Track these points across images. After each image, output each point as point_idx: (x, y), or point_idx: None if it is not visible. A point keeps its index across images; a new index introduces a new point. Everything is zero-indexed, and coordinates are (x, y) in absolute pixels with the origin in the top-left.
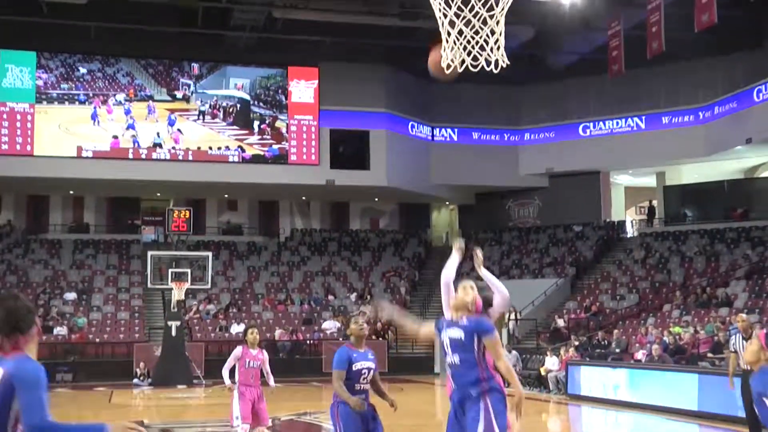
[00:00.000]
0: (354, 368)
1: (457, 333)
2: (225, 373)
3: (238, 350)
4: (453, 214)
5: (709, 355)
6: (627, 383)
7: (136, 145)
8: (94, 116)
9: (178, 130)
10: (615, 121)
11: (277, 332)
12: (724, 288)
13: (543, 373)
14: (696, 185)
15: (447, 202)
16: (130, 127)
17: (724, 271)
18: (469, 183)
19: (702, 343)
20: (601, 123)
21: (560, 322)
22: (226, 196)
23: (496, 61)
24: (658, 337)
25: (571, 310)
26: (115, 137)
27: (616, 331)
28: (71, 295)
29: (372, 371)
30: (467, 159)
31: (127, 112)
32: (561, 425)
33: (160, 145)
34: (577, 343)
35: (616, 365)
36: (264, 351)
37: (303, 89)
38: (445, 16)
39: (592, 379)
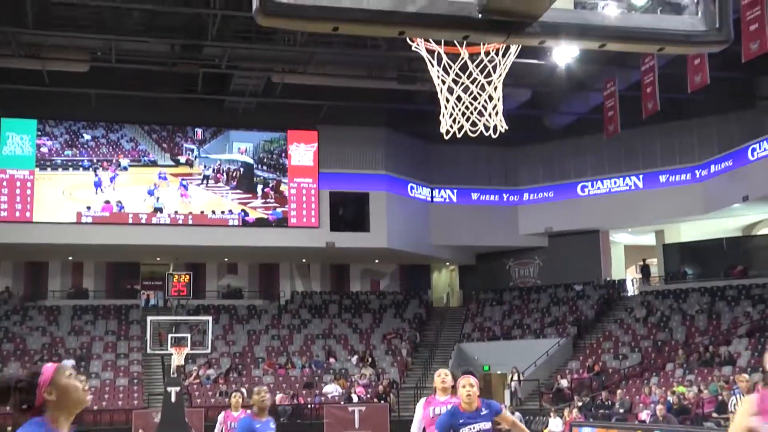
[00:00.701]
0: None
1: (485, 425)
2: None
3: (221, 416)
4: (453, 275)
5: (714, 414)
6: None
7: (157, 210)
8: (97, 184)
9: (184, 187)
10: (613, 180)
11: (278, 396)
12: (727, 346)
13: None
14: (695, 243)
15: (447, 263)
16: (150, 193)
17: (725, 329)
18: (469, 243)
19: (706, 402)
20: (599, 182)
21: (563, 383)
22: (226, 259)
23: (495, 126)
24: (662, 396)
25: (574, 370)
26: (119, 202)
27: (619, 391)
28: (69, 362)
29: None
30: (467, 219)
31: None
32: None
33: (161, 210)
34: (580, 403)
35: (620, 426)
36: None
37: (302, 152)
38: (443, 82)
39: None
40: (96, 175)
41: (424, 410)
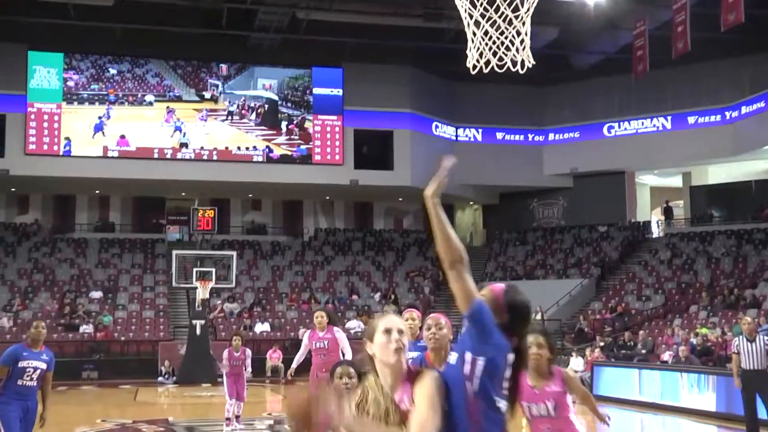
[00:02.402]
0: (20, 365)
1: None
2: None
3: (306, 335)
4: (477, 214)
5: None
6: (654, 384)
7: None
8: (98, 127)
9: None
10: (640, 121)
11: (301, 331)
12: (752, 289)
13: (570, 373)
14: (723, 185)
15: (471, 202)
16: (177, 129)
17: (752, 272)
18: (493, 183)
19: (729, 344)
20: (626, 123)
21: (584, 323)
22: (250, 195)
23: (522, 61)
24: (684, 338)
25: (596, 311)
26: (122, 137)
27: (641, 332)
28: (97, 294)
29: (40, 371)
30: (491, 159)
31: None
32: (587, 426)
33: (186, 145)
34: (602, 343)
35: (642, 366)
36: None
37: (327, 90)
38: (471, 16)
39: (619, 380)
40: (108, 113)
41: (309, 340)
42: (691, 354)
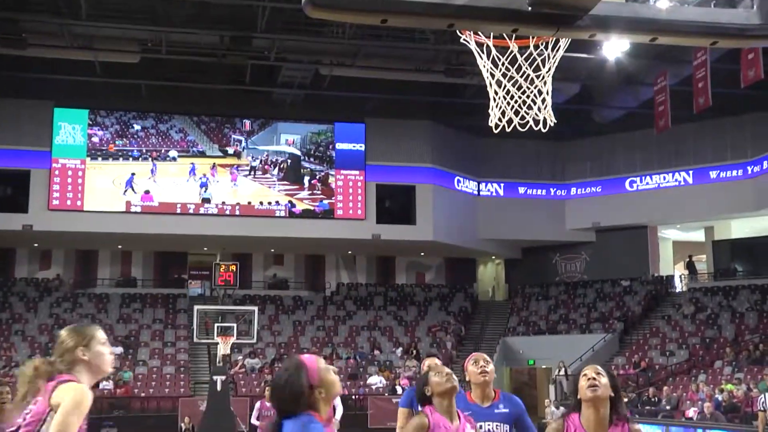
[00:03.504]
0: None
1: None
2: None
3: (258, 404)
4: (499, 269)
5: None
6: None
7: (203, 200)
8: (128, 182)
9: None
10: (662, 176)
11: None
12: None
13: None
14: (746, 240)
15: (493, 257)
16: (203, 185)
17: None
18: (516, 237)
19: (755, 401)
20: (648, 177)
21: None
22: (272, 250)
23: (544, 119)
24: (709, 394)
25: (620, 366)
26: (147, 192)
27: (666, 387)
28: (117, 349)
29: None
30: (513, 213)
31: (192, 170)
32: None
33: (209, 200)
34: (626, 399)
35: (667, 423)
36: None
37: (349, 145)
38: (493, 76)
39: None
40: (153, 164)
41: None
42: (717, 410)
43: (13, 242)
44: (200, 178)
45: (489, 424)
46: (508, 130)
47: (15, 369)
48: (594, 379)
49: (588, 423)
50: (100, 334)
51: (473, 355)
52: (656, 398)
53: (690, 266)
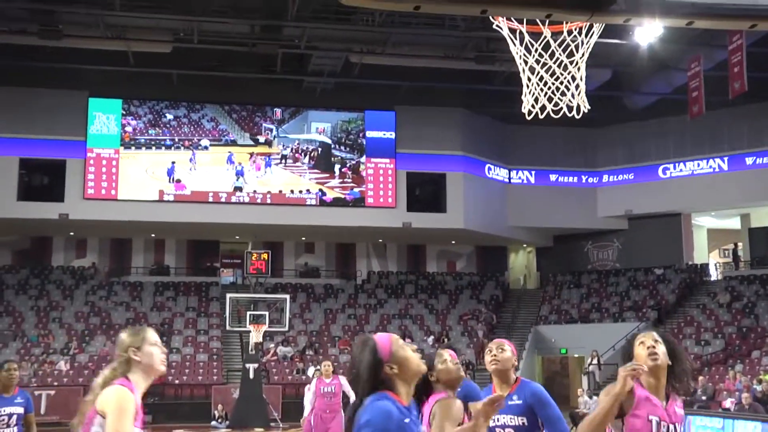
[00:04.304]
0: None
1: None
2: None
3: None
4: (531, 257)
5: None
6: None
7: (238, 189)
8: (170, 172)
9: (267, 165)
10: (696, 163)
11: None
12: None
13: None
14: None
15: (524, 245)
16: (239, 174)
17: None
18: (547, 225)
19: None
20: (681, 164)
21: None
22: (303, 238)
23: (577, 105)
24: (746, 384)
25: None
26: (179, 181)
27: (701, 377)
28: None
29: (17, 416)
30: (545, 201)
31: (230, 160)
32: None
33: (240, 189)
34: None
35: (704, 413)
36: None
37: (380, 133)
38: (526, 62)
39: None
40: (193, 153)
41: (317, 387)
42: (756, 401)
43: (49, 231)
44: (236, 166)
45: (504, 417)
46: (541, 117)
47: (53, 356)
48: (653, 347)
49: (650, 390)
50: (151, 335)
51: (491, 342)
52: (692, 388)
53: (735, 254)
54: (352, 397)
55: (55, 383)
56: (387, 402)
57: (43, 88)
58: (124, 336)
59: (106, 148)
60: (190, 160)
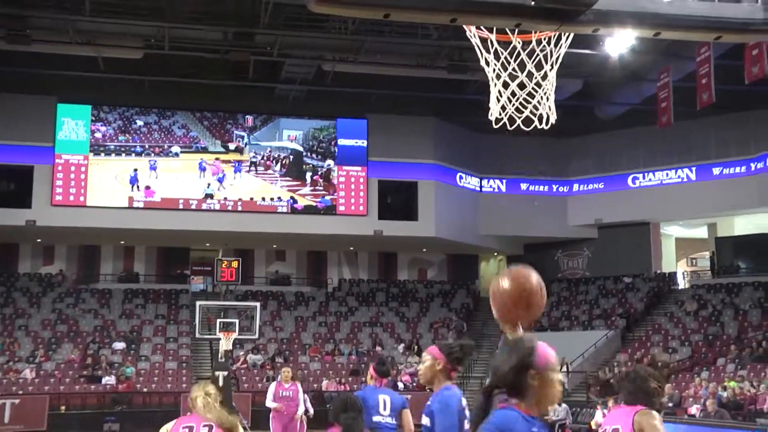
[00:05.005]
0: None
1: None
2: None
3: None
4: (501, 265)
5: None
6: None
7: (211, 195)
8: (153, 167)
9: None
10: (665, 172)
11: (324, 383)
12: None
13: (593, 426)
14: (749, 237)
15: (495, 253)
16: (220, 180)
17: None
18: (518, 234)
19: (759, 398)
20: (650, 174)
21: (608, 374)
22: (274, 246)
23: (547, 116)
24: (712, 391)
25: (622, 363)
26: (148, 187)
27: (668, 384)
28: (120, 345)
29: None
30: (516, 210)
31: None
32: None
33: (211, 196)
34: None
35: (669, 420)
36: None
37: (352, 141)
38: (494, 71)
39: None
40: (136, 167)
41: (275, 390)
42: (720, 408)
43: (16, 237)
44: (219, 174)
45: (424, 418)
46: (510, 128)
47: (18, 364)
48: None
49: None
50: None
51: None
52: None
53: (712, 263)
54: (308, 405)
55: (20, 392)
56: (508, 413)
57: (10, 93)
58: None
59: (75, 154)
60: (151, 168)
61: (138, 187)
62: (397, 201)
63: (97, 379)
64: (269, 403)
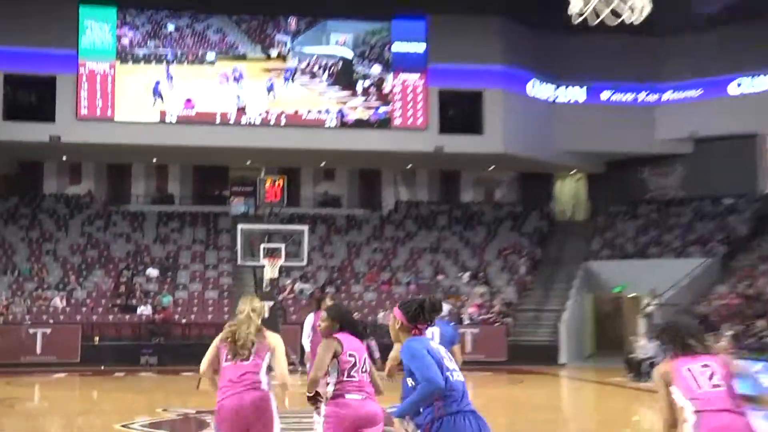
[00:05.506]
0: None
1: None
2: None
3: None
4: (580, 185)
5: None
6: None
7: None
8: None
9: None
10: None
11: (380, 315)
12: None
13: None
14: None
15: (573, 171)
16: (270, 89)
17: None
18: (598, 149)
19: None
20: (756, 78)
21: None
22: (322, 164)
23: (642, 6)
24: None
25: (723, 295)
26: (188, 100)
27: None
28: (154, 272)
29: None
30: (596, 121)
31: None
32: None
33: (245, 109)
34: (730, 332)
35: None
36: None
37: (409, 45)
38: None
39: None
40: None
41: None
42: None
43: (40, 155)
44: (268, 81)
45: None
46: (593, 23)
47: (48, 291)
48: None
49: None
50: None
51: None
52: (766, 332)
53: None
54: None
55: (51, 321)
56: None
57: None
58: None
59: (101, 62)
60: (167, 77)
61: (162, 99)
62: (461, 113)
63: (131, 308)
64: (305, 340)
